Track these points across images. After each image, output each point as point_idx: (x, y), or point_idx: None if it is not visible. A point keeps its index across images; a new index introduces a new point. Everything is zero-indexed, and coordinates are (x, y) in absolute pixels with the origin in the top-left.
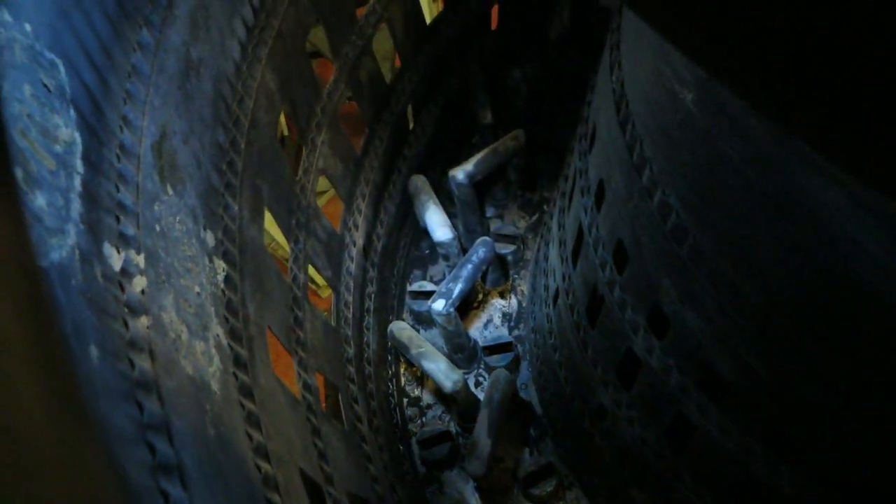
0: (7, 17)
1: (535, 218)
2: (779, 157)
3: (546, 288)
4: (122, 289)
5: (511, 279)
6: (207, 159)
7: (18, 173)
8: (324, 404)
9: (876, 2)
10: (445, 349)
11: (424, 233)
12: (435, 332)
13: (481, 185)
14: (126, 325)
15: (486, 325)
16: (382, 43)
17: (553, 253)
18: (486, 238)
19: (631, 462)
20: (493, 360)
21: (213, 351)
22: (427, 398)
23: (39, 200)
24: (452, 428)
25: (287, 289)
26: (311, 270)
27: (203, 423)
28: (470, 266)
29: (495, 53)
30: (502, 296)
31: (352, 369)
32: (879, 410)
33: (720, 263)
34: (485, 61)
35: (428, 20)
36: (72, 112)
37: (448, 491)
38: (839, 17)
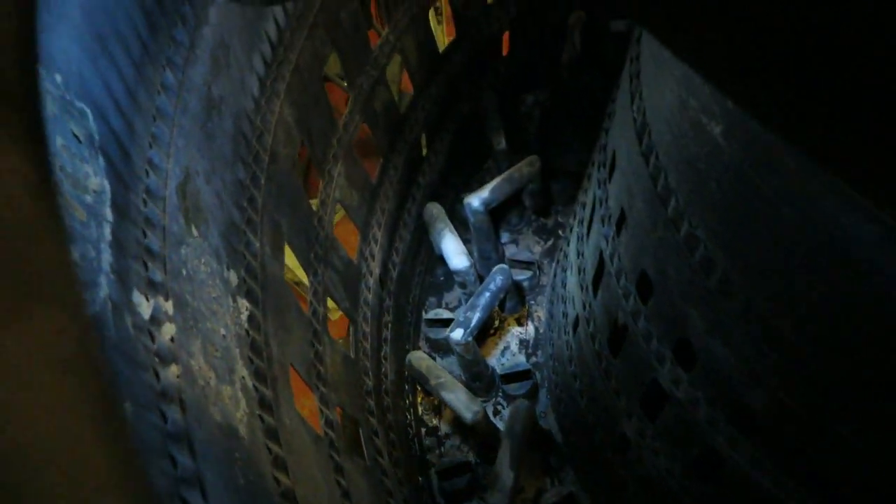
0: (39, 70)
1: (550, 243)
2: (812, 191)
3: (564, 315)
4: (152, 337)
5: (527, 305)
6: (229, 197)
7: None
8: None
9: None
10: (463, 377)
11: (439, 259)
12: (451, 360)
13: (496, 211)
14: (157, 375)
15: (503, 353)
16: (391, 67)
17: (572, 280)
18: (503, 266)
19: (655, 493)
20: (512, 388)
21: (240, 394)
22: (445, 427)
23: (73, 255)
24: (471, 458)
25: (307, 323)
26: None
27: (233, 473)
28: (488, 294)
29: (507, 79)
30: (519, 322)
31: (371, 402)
32: None
33: (751, 297)
34: (497, 87)
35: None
36: (101, 160)
37: None
38: (884, 50)
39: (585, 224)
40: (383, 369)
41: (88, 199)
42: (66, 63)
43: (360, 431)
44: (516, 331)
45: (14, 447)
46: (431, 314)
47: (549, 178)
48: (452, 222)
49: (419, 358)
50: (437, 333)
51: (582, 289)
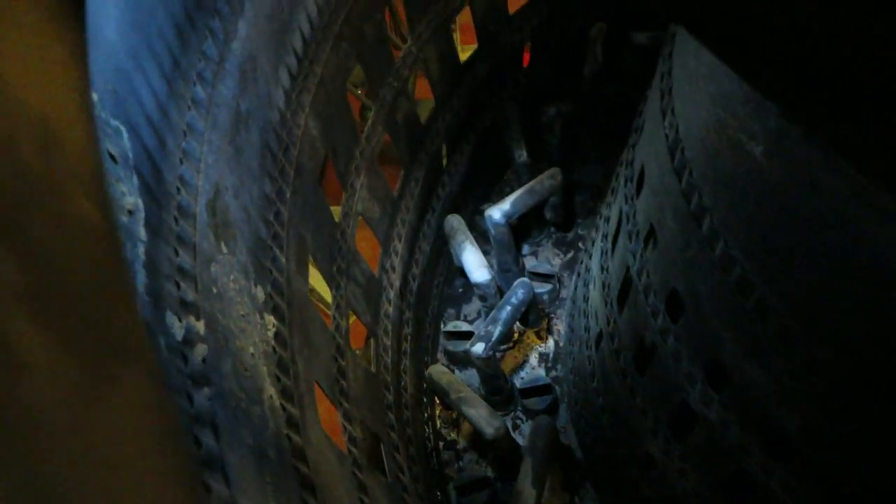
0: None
1: (569, 255)
2: (859, 215)
3: (587, 329)
4: (185, 359)
5: (547, 319)
6: (256, 212)
7: None
8: None
9: None
10: (482, 391)
11: (458, 271)
12: (470, 373)
13: (516, 223)
14: (190, 399)
15: (522, 366)
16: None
17: (595, 295)
18: (525, 279)
19: None
20: (531, 402)
21: (268, 414)
22: (463, 441)
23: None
24: (490, 474)
25: (330, 338)
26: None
27: (266, 499)
28: (509, 308)
29: (528, 90)
30: (538, 336)
31: (392, 416)
32: None
33: (790, 320)
34: (518, 98)
35: None
36: (135, 178)
37: None
38: None
39: (610, 239)
40: (402, 383)
41: (124, 219)
42: (101, 81)
43: (382, 447)
44: (535, 344)
45: None
46: (450, 326)
47: (570, 190)
48: (472, 234)
49: (440, 372)
50: (457, 346)
51: (606, 304)
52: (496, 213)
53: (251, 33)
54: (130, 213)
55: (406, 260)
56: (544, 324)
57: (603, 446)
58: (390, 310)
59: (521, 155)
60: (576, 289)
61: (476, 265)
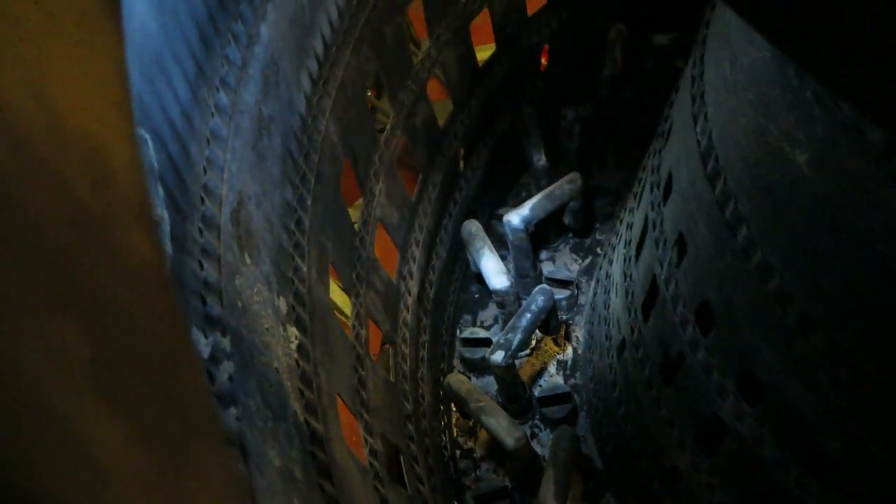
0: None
1: (588, 261)
2: None
3: (608, 337)
4: (212, 378)
5: (566, 325)
6: (277, 220)
7: None
8: None
9: None
10: (499, 399)
11: (474, 276)
12: (487, 380)
13: (534, 229)
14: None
15: (540, 374)
16: None
17: (617, 302)
18: (545, 286)
19: None
20: (550, 411)
21: (293, 431)
22: (480, 450)
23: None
24: (508, 484)
25: (350, 348)
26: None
27: None
28: (529, 315)
29: (546, 93)
30: (556, 343)
31: (411, 427)
32: None
33: (834, 334)
34: (537, 102)
35: None
36: (160, 189)
37: None
38: None
39: (634, 246)
40: (420, 391)
41: None
42: None
43: (402, 458)
44: (553, 351)
45: None
46: (467, 333)
47: (589, 195)
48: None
49: (459, 381)
50: (474, 353)
51: (629, 312)
52: (515, 218)
53: (274, 36)
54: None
55: (423, 266)
56: (562, 331)
57: (625, 457)
58: (408, 317)
59: (540, 159)
60: (595, 295)
61: (495, 272)
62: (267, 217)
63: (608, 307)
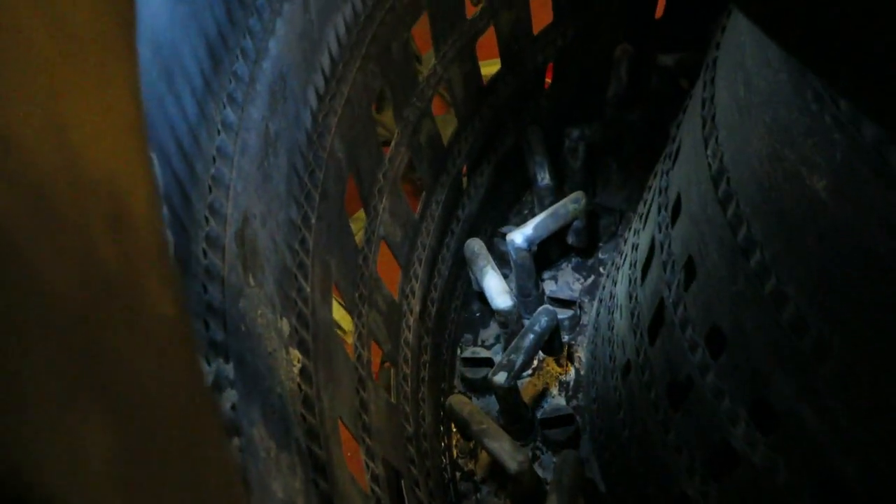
0: None
1: (590, 280)
2: None
3: (612, 358)
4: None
5: (568, 346)
6: (282, 239)
7: None
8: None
9: None
10: (501, 419)
11: (475, 295)
12: (488, 400)
13: (537, 248)
14: None
15: (542, 395)
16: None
17: (622, 324)
18: (548, 307)
19: None
20: (552, 433)
21: (296, 459)
22: (481, 472)
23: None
24: None
25: (353, 370)
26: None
27: None
28: (532, 336)
29: (552, 112)
30: (558, 363)
31: (412, 449)
32: None
33: (852, 362)
34: (541, 121)
35: None
36: (165, 210)
37: None
38: None
39: (639, 267)
40: (421, 411)
41: None
42: None
43: (402, 483)
44: (555, 372)
45: None
46: (468, 352)
47: (592, 214)
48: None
49: (461, 402)
50: (475, 373)
51: (635, 334)
52: (518, 237)
53: (282, 51)
54: None
55: (426, 284)
56: (564, 351)
57: (630, 481)
58: (410, 337)
59: (544, 178)
60: (598, 315)
61: (498, 291)
62: (271, 236)
63: (612, 328)
